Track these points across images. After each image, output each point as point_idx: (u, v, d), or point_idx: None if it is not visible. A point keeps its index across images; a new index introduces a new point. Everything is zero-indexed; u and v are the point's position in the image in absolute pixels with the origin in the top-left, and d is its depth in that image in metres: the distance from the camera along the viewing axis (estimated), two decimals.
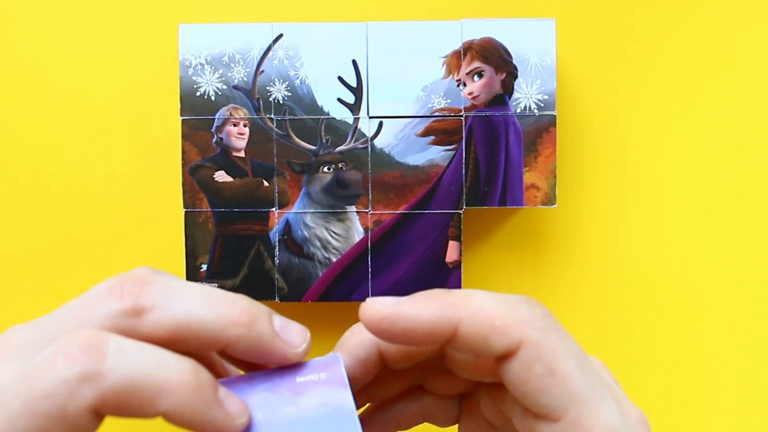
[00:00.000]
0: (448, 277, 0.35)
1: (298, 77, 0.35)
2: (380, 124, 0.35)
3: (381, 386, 0.24)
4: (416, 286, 0.35)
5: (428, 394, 0.25)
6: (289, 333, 0.21)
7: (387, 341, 0.21)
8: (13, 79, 0.38)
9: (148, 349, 0.18)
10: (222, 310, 0.19)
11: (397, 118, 0.35)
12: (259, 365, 0.21)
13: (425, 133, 0.35)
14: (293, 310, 0.39)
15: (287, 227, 0.35)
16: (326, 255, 0.35)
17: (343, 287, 0.35)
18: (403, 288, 0.35)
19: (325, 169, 0.35)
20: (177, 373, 0.18)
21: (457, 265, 0.35)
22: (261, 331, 0.20)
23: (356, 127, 0.35)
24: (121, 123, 0.38)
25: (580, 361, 0.20)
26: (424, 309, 0.20)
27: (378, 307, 0.20)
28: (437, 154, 0.35)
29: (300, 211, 0.35)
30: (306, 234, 0.35)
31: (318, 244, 0.35)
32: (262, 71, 0.35)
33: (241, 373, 0.22)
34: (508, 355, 0.20)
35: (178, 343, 0.19)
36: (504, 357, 0.20)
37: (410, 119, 0.35)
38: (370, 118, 0.35)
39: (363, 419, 0.25)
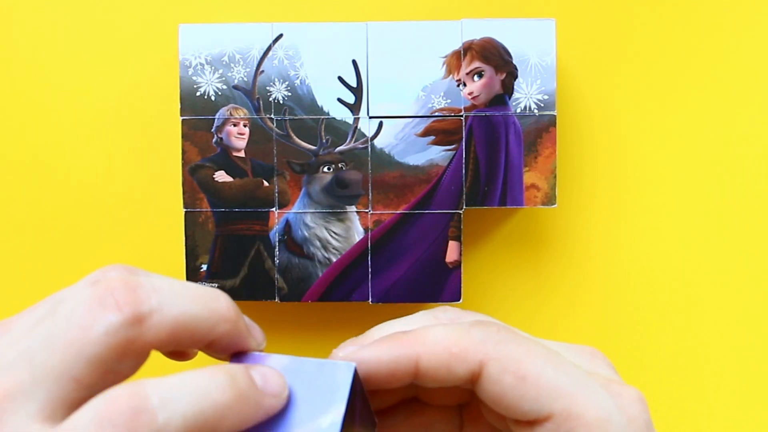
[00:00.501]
0: (448, 277, 0.35)
1: (298, 77, 0.35)
2: (380, 124, 0.35)
3: (375, 397, 0.24)
4: (416, 286, 0.35)
5: (428, 406, 0.25)
6: (254, 329, 0.22)
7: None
8: (13, 79, 0.38)
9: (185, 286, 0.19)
10: (211, 305, 0.19)
11: (397, 118, 0.35)
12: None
13: (425, 133, 0.35)
14: (293, 310, 0.39)
15: (287, 227, 0.35)
16: (326, 255, 0.35)
17: (343, 287, 0.35)
18: (403, 288, 0.35)
19: (325, 169, 0.35)
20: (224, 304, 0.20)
21: (457, 265, 0.35)
22: (242, 326, 0.20)
23: (356, 127, 0.35)
24: (121, 123, 0.38)
25: (549, 359, 0.21)
26: (382, 352, 0.21)
27: (342, 355, 0.21)
28: (437, 154, 0.35)
29: (300, 211, 0.35)
30: (306, 234, 0.35)
31: (318, 244, 0.35)
32: (262, 71, 0.35)
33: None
34: (474, 377, 0.21)
35: (174, 342, 0.19)
36: (472, 380, 0.21)
37: (410, 119, 0.35)
38: (370, 118, 0.35)
39: None
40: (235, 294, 0.35)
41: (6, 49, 0.38)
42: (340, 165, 0.35)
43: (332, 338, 0.39)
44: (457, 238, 0.35)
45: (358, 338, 0.23)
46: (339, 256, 0.35)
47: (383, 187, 0.35)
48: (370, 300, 0.35)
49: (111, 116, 0.38)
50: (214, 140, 0.35)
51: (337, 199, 0.35)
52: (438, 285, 0.35)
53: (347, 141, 0.35)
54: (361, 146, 0.35)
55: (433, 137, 0.35)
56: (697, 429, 0.38)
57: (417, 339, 0.21)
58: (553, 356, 0.21)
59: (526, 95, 0.34)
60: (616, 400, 0.21)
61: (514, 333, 0.22)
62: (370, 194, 0.35)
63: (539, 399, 0.20)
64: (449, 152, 0.35)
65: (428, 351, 0.21)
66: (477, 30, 0.34)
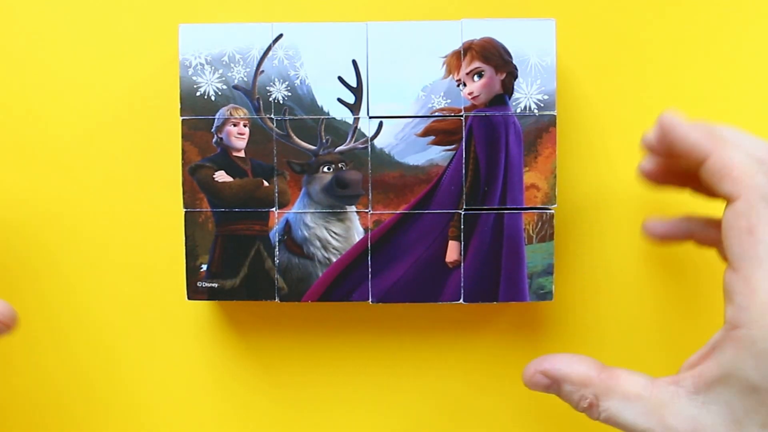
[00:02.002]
0: (448, 276, 0.35)
1: (298, 77, 0.35)
2: (380, 124, 0.35)
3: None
4: (416, 285, 0.35)
5: (695, 218, 0.33)
6: None
7: (659, 141, 0.30)
8: (11, 79, 0.38)
9: None
10: None
11: (397, 118, 0.35)
12: None
13: (425, 133, 0.35)
14: (293, 311, 0.38)
15: (287, 227, 0.35)
16: (326, 255, 0.35)
17: (343, 287, 0.35)
18: (403, 288, 0.35)
19: (325, 169, 0.35)
20: None
21: (458, 264, 0.35)
22: None
23: (356, 127, 0.35)
24: (120, 123, 0.38)
25: None
26: (694, 132, 0.28)
27: (670, 114, 0.29)
28: (437, 154, 0.35)
29: (300, 211, 0.35)
30: (306, 234, 0.35)
31: (318, 244, 0.35)
32: (262, 71, 0.35)
33: None
34: (728, 199, 0.27)
35: None
36: (725, 198, 0.27)
37: (410, 119, 0.35)
38: (370, 118, 0.35)
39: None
40: (235, 294, 0.35)
41: (3, 47, 0.38)
42: (340, 165, 0.35)
43: (333, 339, 0.39)
44: (457, 238, 0.35)
45: None
46: (339, 256, 0.35)
47: (383, 187, 0.35)
48: (370, 300, 0.35)
49: (111, 116, 0.38)
50: (214, 140, 0.35)
51: (337, 199, 0.35)
52: (438, 285, 0.35)
53: (347, 141, 0.35)
54: (361, 146, 0.35)
55: (433, 137, 0.35)
56: None
57: (722, 142, 0.27)
58: None
59: (526, 95, 0.34)
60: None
61: None
62: (370, 194, 0.35)
63: (744, 254, 0.26)
64: (449, 152, 0.35)
65: (719, 157, 0.27)
66: (477, 30, 0.34)
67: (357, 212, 0.35)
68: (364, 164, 0.35)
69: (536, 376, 0.32)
